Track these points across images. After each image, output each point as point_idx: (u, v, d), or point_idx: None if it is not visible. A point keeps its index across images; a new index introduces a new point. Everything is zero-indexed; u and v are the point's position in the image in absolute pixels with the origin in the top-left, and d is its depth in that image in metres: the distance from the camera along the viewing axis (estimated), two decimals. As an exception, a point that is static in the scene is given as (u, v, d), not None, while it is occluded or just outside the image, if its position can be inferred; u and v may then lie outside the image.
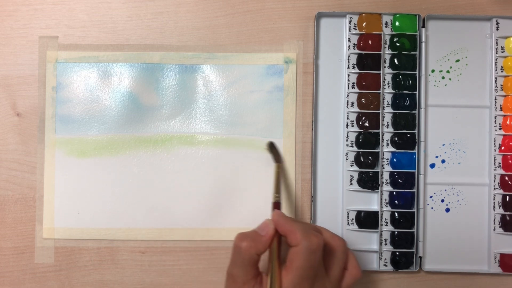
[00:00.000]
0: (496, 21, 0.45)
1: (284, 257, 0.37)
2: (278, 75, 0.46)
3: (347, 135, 0.45)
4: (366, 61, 0.45)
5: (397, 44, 0.45)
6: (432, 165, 0.45)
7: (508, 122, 0.45)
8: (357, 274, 0.39)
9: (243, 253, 0.36)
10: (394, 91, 0.45)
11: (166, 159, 0.45)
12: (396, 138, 0.45)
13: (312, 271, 0.36)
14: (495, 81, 0.45)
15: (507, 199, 0.44)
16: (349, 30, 0.45)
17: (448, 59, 0.45)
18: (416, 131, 0.44)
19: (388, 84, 0.45)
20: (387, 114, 0.45)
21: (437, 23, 0.45)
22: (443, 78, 0.45)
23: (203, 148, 0.45)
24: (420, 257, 0.45)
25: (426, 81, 0.45)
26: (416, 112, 0.45)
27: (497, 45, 0.45)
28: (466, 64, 0.45)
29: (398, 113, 0.45)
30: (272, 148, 0.44)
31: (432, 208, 0.45)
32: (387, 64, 0.45)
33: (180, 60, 0.46)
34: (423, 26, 0.45)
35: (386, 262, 0.44)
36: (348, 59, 0.45)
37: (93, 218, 0.45)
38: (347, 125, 0.45)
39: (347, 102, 0.45)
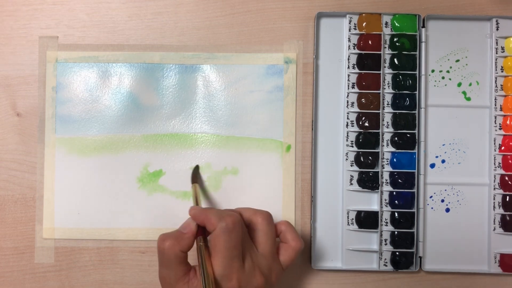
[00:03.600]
0: (496, 21, 0.45)
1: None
2: (278, 75, 0.46)
3: (347, 135, 0.45)
4: (366, 61, 0.45)
5: (397, 44, 0.45)
6: (432, 165, 0.45)
7: (508, 122, 0.45)
8: (296, 245, 0.40)
9: (167, 253, 0.37)
10: (394, 91, 0.45)
11: (166, 159, 0.45)
12: (396, 138, 0.45)
13: (237, 250, 0.36)
14: (495, 81, 0.45)
15: (507, 199, 0.44)
16: (349, 30, 0.45)
17: (448, 59, 0.45)
18: (416, 131, 0.44)
19: (388, 84, 0.45)
20: (387, 114, 0.45)
21: (437, 23, 0.45)
22: (443, 78, 0.45)
23: (203, 148, 0.45)
24: (420, 257, 0.45)
25: (426, 81, 0.45)
26: (416, 112, 0.45)
27: (497, 45, 0.45)
28: (466, 64, 0.45)
29: (398, 113, 0.45)
30: (194, 171, 0.45)
31: (432, 208, 0.45)
32: (387, 64, 0.45)
33: (180, 60, 0.46)
34: (423, 26, 0.45)
35: (386, 262, 0.44)
36: (348, 59, 0.45)
37: (93, 218, 0.45)
38: (347, 125, 0.45)
39: (347, 102, 0.45)
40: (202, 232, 0.38)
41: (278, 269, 0.39)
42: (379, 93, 0.45)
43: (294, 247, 0.40)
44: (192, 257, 0.38)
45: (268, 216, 0.40)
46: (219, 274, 0.36)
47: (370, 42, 0.45)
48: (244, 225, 0.38)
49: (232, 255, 0.36)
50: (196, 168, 0.45)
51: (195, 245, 0.38)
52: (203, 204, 0.45)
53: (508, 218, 0.44)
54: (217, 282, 0.36)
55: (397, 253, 0.44)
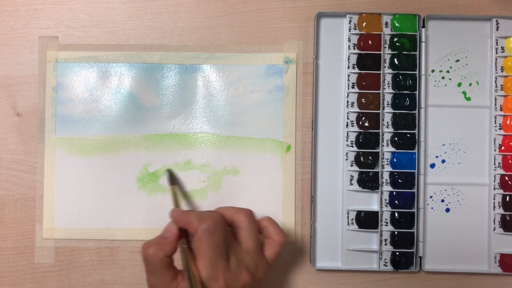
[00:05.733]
0: (496, 21, 0.45)
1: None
2: (278, 75, 0.46)
3: (347, 135, 0.45)
4: (366, 61, 0.45)
5: (397, 44, 0.45)
6: (432, 165, 0.45)
7: (508, 122, 0.45)
8: (280, 239, 0.40)
9: (152, 260, 0.37)
10: (394, 91, 0.45)
11: (166, 159, 0.45)
12: (396, 138, 0.45)
13: (221, 250, 0.37)
14: (495, 81, 0.45)
15: (507, 199, 0.44)
16: (349, 30, 0.45)
17: (448, 59, 0.45)
18: (416, 131, 0.44)
19: (388, 84, 0.45)
20: (387, 114, 0.45)
21: (437, 23, 0.45)
22: (443, 78, 0.45)
23: (203, 148, 0.45)
24: (420, 257, 0.45)
25: (426, 81, 0.45)
26: (416, 112, 0.45)
27: (497, 45, 0.45)
28: (466, 64, 0.45)
29: (398, 113, 0.45)
30: (170, 174, 0.45)
31: (432, 208, 0.45)
32: (387, 64, 0.45)
33: (180, 60, 0.46)
34: (423, 26, 0.45)
35: (386, 262, 0.44)
36: (348, 59, 0.45)
37: (93, 218, 0.45)
38: (347, 125, 0.45)
39: (347, 102, 0.45)
40: (184, 234, 0.38)
41: (264, 264, 0.39)
42: (379, 93, 0.45)
43: (278, 241, 0.40)
44: (179, 261, 0.38)
45: (249, 213, 0.40)
46: (205, 276, 0.36)
47: (370, 42, 0.45)
48: (226, 225, 0.38)
49: (216, 256, 0.36)
50: (171, 171, 0.45)
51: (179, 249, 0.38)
52: (184, 206, 0.45)
53: (508, 218, 0.44)
54: (204, 283, 0.36)
55: (397, 253, 0.44)
